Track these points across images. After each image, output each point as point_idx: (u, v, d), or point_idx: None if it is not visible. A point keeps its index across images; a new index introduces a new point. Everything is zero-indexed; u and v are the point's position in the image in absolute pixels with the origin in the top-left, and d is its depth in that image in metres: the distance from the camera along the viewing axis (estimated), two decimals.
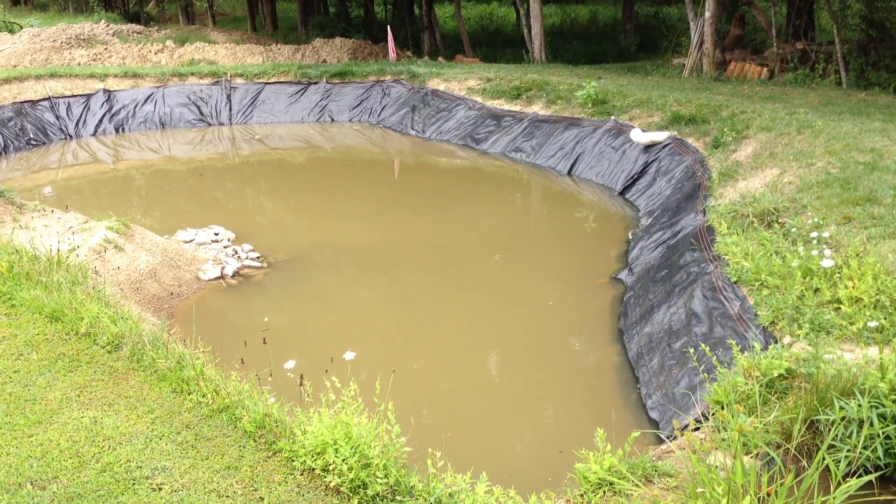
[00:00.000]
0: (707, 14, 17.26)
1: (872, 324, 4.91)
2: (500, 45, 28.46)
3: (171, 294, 9.38)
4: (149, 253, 9.75)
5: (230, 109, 20.83)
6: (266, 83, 21.39)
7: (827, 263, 5.70)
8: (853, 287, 5.90)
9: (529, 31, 23.35)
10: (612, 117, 14.43)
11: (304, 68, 21.93)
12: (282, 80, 21.50)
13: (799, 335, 5.70)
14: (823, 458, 4.04)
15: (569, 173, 14.19)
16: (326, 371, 4.50)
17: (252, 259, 10.41)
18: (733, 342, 5.60)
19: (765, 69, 17.05)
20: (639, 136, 12.97)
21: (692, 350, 6.78)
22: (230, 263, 10.16)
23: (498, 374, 7.40)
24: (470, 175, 15.29)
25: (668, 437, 6.02)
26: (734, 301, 6.88)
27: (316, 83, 21.33)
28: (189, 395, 5.12)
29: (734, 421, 4.30)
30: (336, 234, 11.70)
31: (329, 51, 26.42)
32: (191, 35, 26.67)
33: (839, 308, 5.91)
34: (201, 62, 24.00)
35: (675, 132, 12.85)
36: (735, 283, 7.03)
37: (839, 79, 15.62)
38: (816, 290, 6.22)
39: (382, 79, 21.10)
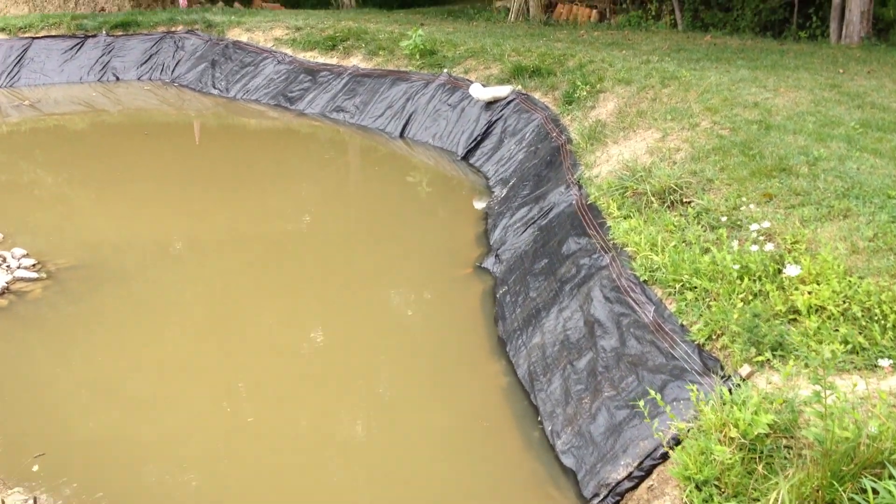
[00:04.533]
0: None
1: (885, 362, 3.71)
2: None
3: None
4: None
5: None
6: (34, 38, 18.32)
7: (793, 271, 4.48)
8: (813, 294, 4.72)
9: None
10: (445, 70, 12.92)
11: (79, 19, 18.99)
12: (53, 33, 18.49)
13: (759, 361, 4.48)
14: None
15: (401, 135, 12.59)
16: None
17: (27, 268, 8.22)
18: (693, 388, 4.29)
19: (594, 11, 16.05)
20: (479, 91, 11.54)
21: (604, 371, 5.49)
22: None
23: (362, 426, 5.80)
24: (287, 142, 13.38)
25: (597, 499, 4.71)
26: (646, 306, 5.60)
27: (94, 36, 18.48)
28: None
29: None
30: (135, 225, 9.60)
31: None
32: None
33: (796, 320, 4.74)
34: None
35: (520, 86, 11.51)
36: (644, 282, 5.77)
37: (674, 20, 14.82)
38: (757, 294, 5.03)
39: (174, 29, 18.55)
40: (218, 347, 6.81)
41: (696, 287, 5.30)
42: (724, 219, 5.72)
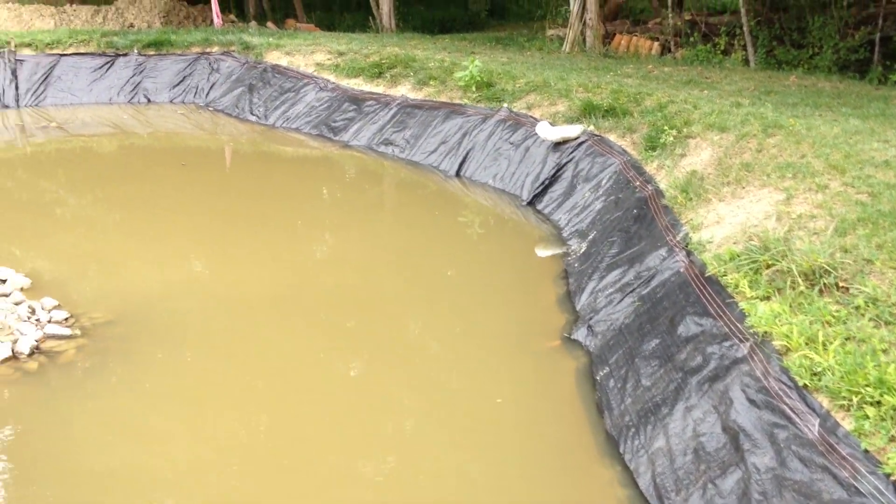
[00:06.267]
0: None
1: None
2: (337, 8, 25.39)
3: None
4: None
5: (16, 88, 16.87)
6: (62, 55, 17.55)
7: None
8: None
9: None
10: (505, 105, 11.99)
11: (109, 35, 18.20)
12: (82, 51, 17.70)
13: None
14: None
15: (457, 174, 11.66)
16: None
17: (59, 322, 7.29)
18: None
19: (656, 44, 15.12)
20: (546, 130, 10.60)
21: (763, 499, 4.50)
22: (27, 333, 7.00)
23: None
24: (333, 177, 12.47)
25: None
26: (808, 417, 4.62)
27: (126, 55, 17.70)
28: None
29: None
30: (173, 270, 8.73)
31: (136, 13, 22.67)
32: None
33: None
34: None
35: (591, 126, 10.57)
36: (804, 386, 4.78)
37: (745, 57, 13.86)
38: None
39: (209, 50, 17.73)
40: (270, 423, 5.85)
41: (881, 403, 4.32)
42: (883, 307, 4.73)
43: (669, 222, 7.59)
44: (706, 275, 6.31)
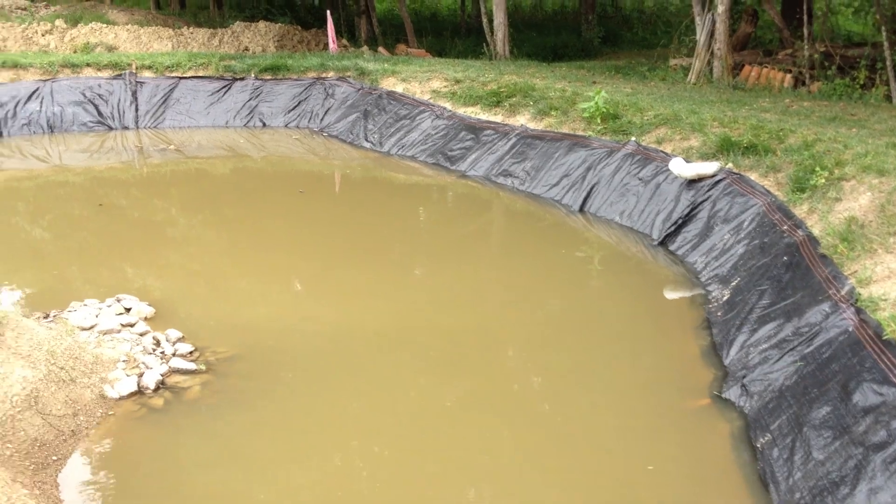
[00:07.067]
0: (720, 8, 14.49)
1: None
2: (448, 34, 25.26)
3: (61, 433, 6.07)
4: (27, 361, 6.37)
5: (136, 110, 17.18)
6: (181, 77, 17.82)
7: None
8: None
9: (490, 21, 20.26)
10: (633, 139, 11.49)
11: (227, 59, 18.40)
12: (200, 73, 17.93)
13: None
14: None
15: (581, 210, 11.20)
16: None
17: (183, 356, 7.11)
18: None
19: (788, 76, 14.37)
20: (680, 167, 10.06)
21: None
22: (152, 367, 6.85)
23: None
24: (451, 210, 12.19)
25: None
26: None
27: (243, 79, 17.86)
28: None
29: None
30: (291, 302, 8.56)
31: (251, 37, 22.96)
32: (85, 13, 22.70)
33: None
34: (98, 47, 20.19)
35: (730, 164, 9.99)
36: None
37: (888, 92, 13.02)
38: None
39: (324, 76, 17.74)
40: (390, 467, 5.48)
41: None
42: None
43: (830, 274, 6.98)
44: (884, 337, 5.71)
